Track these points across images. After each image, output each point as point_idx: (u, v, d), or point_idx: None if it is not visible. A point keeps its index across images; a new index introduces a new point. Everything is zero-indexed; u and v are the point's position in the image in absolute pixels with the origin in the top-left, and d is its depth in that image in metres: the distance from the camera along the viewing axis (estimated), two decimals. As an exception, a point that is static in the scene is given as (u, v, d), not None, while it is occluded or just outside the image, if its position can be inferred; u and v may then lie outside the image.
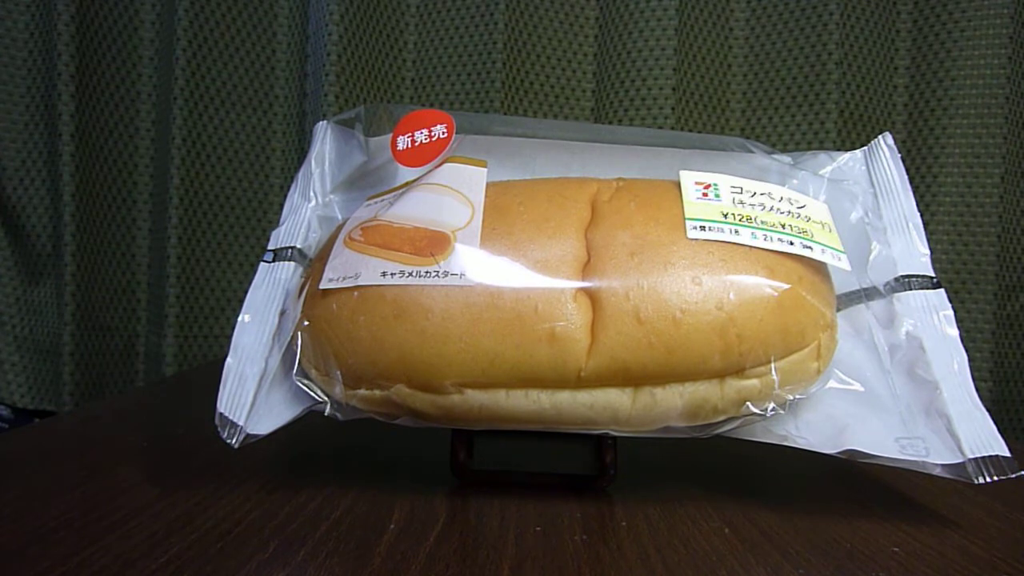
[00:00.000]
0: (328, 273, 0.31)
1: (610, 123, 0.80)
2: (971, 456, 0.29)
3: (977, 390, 0.31)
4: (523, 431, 0.31)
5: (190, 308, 0.82)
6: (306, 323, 0.31)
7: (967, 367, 0.31)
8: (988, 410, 0.30)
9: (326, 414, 0.31)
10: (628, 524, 0.29)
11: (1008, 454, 0.28)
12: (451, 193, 0.32)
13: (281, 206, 0.37)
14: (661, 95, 0.78)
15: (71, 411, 0.78)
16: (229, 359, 0.31)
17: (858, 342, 0.33)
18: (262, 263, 0.34)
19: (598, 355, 0.28)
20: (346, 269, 0.30)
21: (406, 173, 0.34)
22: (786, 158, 0.37)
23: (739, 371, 0.29)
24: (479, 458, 0.33)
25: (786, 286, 0.29)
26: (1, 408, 0.82)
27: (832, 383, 0.31)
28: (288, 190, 0.37)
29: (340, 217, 0.36)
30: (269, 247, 0.35)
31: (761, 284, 0.29)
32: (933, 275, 0.33)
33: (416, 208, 0.32)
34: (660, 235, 0.30)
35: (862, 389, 0.31)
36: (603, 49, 0.82)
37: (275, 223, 0.36)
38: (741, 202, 0.32)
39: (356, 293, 0.30)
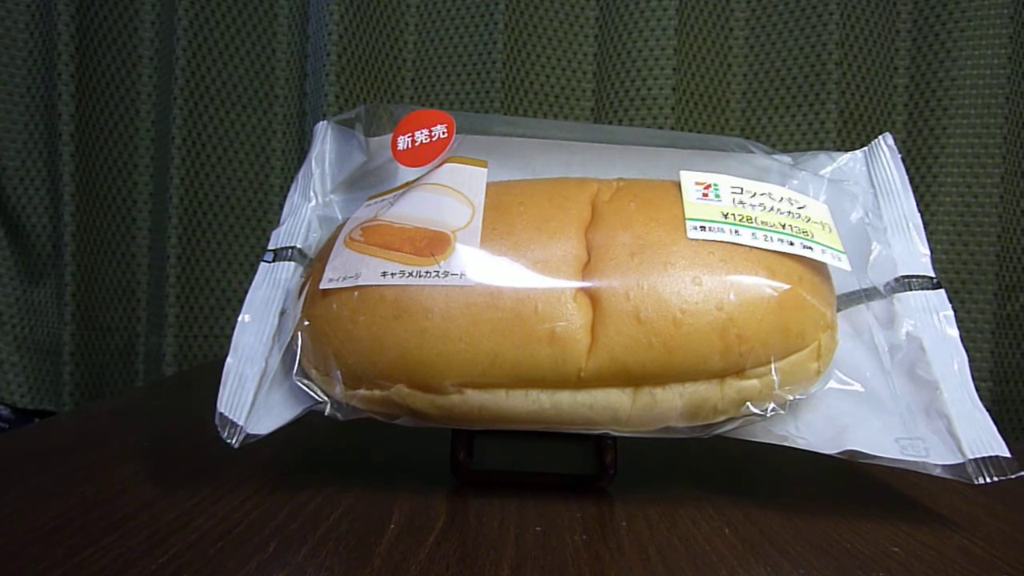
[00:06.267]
0: (328, 273, 0.31)
1: (610, 123, 0.80)
2: (971, 457, 0.29)
3: (977, 390, 0.31)
4: (523, 431, 0.31)
5: (190, 308, 0.82)
6: (306, 323, 0.31)
7: (967, 367, 0.31)
8: (988, 410, 0.30)
9: (326, 414, 0.31)
10: (628, 524, 0.29)
11: (1008, 454, 0.28)
12: (451, 193, 0.32)
13: (281, 206, 0.37)
14: (661, 95, 0.78)
15: (71, 411, 0.78)
16: (229, 359, 0.31)
17: (858, 342, 0.33)
18: (262, 263, 0.34)
19: (598, 355, 0.28)
20: (346, 269, 0.30)
21: (406, 173, 0.34)
22: (786, 158, 0.37)
23: (739, 371, 0.29)
24: (479, 458, 0.33)
25: (786, 286, 0.29)
26: (1, 408, 0.82)
27: (832, 383, 0.31)
28: (288, 190, 0.37)
29: (340, 217, 0.36)
30: (269, 247, 0.35)
31: (761, 284, 0.29)
32: (933, 275, 0.33)
33: (416, 208, 0.32)
34: (660, 235, 0.30)
35: (862, 389, 0.31)
36: (603, 49, 0.82)
37: (275, 223, 0.36)
38: (741, 202, 0.32)
39: (356, 293, 0.30)
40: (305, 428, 0.31)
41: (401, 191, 0.33)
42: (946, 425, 0.30)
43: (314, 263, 0.33)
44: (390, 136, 0.34)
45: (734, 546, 0.27)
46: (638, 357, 0.28)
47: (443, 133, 0.34)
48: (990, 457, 0.28)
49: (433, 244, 0.30)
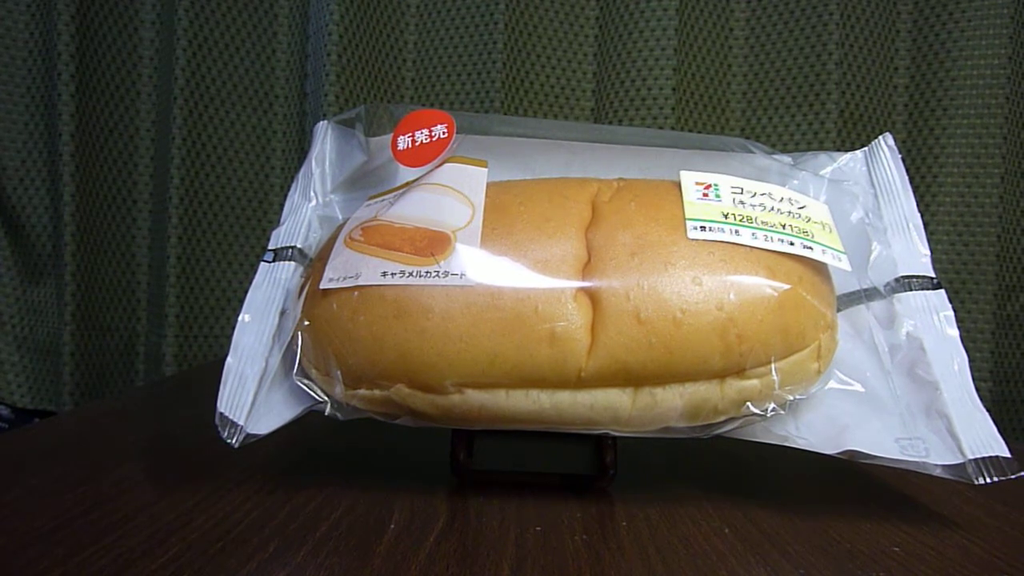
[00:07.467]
0: (328, 273, 0.31)
1: (610, 123, 0.80)
2: (971, 457, 0.29)
3: (977, 390, 0.31)
4: (523, 431, 0.31)
5: (190, 308, 0.82)
6: (306, 323, 0.31)
7: (967, 368, 0.31)
8: (988, 410, 0.30)
9: (326, 414, 0.31)
10: (628, 524, 0.29)
11: (1008, 455, 0.28)
12: (451, 193, 0.32)
13: (281, 206, 0.37)
14: (661, 95, 0.78)
15: (71, 411, 0.78)
16: (229, 359, 0.31)
17: (858, 342, 0.33)
18: (262, 263, 0.34)
19: (598, 355, 0.28)
20: (346, 269, 0.30)
21: (406, 173, 0.34)
22: (786, 158, 0.37)
23: (739, 371, 0.29)
24: (479, 458, 0.33)
25: (786, 286, 0.29)
26: (1, 408, 0.82)
27: (832, 383, 0.31)
28: (288, 190, 0.37)
29: (340, 217, 0.36)
30: (269, 247, 0.35)
31: (761, 284, 0.29)
32: (933, 276, 0.33)
33: (416, 208, 0.32)
34: (660, 235, 0.30)
35: (862, 389, 0.31)
36: (603, 49, 0.82)
37: (275, 223, 0.36)
38: (741, 202, 0.32)
39: (356, 293, 0.30)
40: (305, 428, 0.31)
41: (401, 191, 0.33)
42: (946, 425, 0.30)
43: (314, 263, 0.33)
44: (390, 136, 0.34)
45: (734, 546, 0.27)
46: (638, 357, 0.28)
47: (443, 133, 0.34)
48: (990, 457, 0.28)
49: (433, 244, 0.30)
